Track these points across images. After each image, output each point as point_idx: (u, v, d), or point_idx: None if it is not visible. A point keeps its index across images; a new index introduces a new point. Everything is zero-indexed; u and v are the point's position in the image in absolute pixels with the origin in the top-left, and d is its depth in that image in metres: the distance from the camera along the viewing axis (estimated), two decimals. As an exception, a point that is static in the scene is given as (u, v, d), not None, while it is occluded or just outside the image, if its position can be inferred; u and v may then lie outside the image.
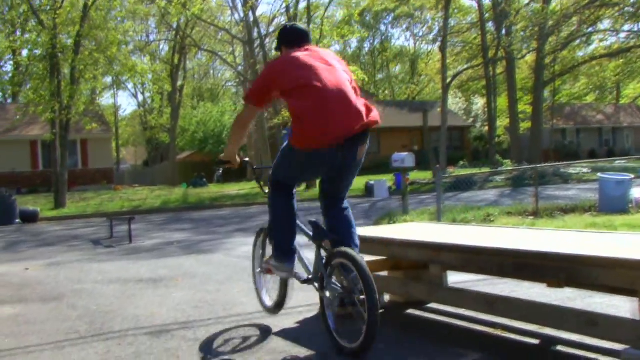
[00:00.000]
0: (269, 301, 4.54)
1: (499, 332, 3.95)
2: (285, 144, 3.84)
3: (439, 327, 4.27)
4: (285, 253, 3.95)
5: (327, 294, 3.68)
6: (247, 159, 4.44)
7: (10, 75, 44.29)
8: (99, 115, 38.70)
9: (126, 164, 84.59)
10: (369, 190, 23.17)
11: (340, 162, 3.67)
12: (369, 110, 3.68)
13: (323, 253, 3.86)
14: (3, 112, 36.71)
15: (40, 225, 17.22)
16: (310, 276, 3.98)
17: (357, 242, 3.88)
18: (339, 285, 3.64)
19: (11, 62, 43.50)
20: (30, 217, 18.12)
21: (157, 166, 50.96)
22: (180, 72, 42.76)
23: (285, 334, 4.26)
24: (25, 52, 28.64)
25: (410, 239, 3.97)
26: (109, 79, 47.78)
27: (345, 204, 4.03)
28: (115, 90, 57.83)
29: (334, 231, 3.86)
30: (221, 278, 6.69)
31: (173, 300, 5.62)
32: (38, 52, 22.38)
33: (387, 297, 5.00)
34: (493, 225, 9.20)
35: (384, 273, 4.90)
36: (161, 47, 49.61)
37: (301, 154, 3.66)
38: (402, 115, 42.99)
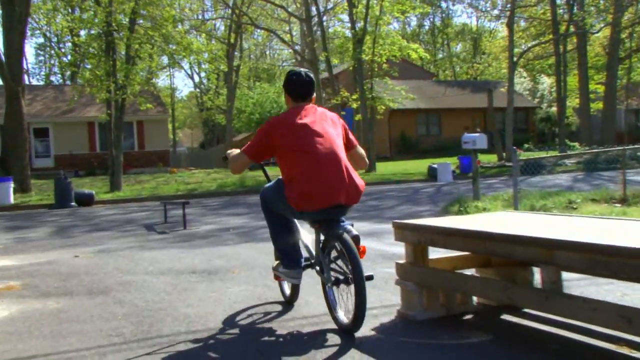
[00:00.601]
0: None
1: (624, 350, 3.26)
2: (278, 180, 4.19)
3: (545, 339, 3.59)
4: (293, 259, 4.23)
5: (325, 275, 4.01)
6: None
7: (69, 57, 44.91)
8: (155, 96, 38.72)
9: (182, 147, 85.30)
10: (432, 174, 22.37)
11: (327, 216, 3.97)
12: (359, 188, 3.98)
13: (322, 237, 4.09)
14: (61, 93, 37.07)
15: (95, 208, 17.07)
16: (312, 260, 4.24)
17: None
18: (338, 267, 3.97)
19: (70, 44, 44.00)
20: (85, 200, 17.99)
21: (213, 148, 50.88)
22: (237, 51, 42.43)
23: (362, 345, 3.64)
24: (83, 33, 28.55)
25: (518, 234, 3.29)
26: (165, 60, 47.88)
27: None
28: (172, 71, 58.15)
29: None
30: (282, 271, 6.13)
31: (229, 296, 5.08)
32: (93, 31, 22.21)
33: (475, 298, 4.34)
34: (601, 216, 8.37)
35: (469, 271, 4.26)
36: (217, 25, 49.48)
37: (292, 209, 3.98)
38: (464, 95, 41.74)
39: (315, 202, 3.88)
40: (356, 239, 3.85)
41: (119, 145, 21.67)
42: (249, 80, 58.54)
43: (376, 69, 28.86)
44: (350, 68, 29.60)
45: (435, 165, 22.49)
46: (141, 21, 22.26)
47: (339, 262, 3.98)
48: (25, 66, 32.01)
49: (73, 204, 17.64)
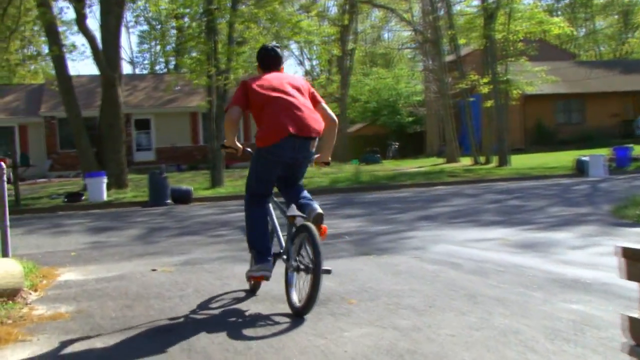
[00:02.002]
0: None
1: None
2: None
3: None
4: (265, 256, 4.89)
5: (290, 262, 4.72)
6: (248, 149, 5.23)
7: (173, 44, 45.31)
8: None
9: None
10: (580, 168, 20.21)
11: (294, 153, 4.76)
12: (317, 121, 4.83)
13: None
14: (162, 82, 37.10)
15: (192, 207, 16.31)
16: (281, 250, 4.92)
17: (308, 195, 5.05)
18: (302, 256, 4.66)
19: (174, 31, 44.37)
20: (182, 197, 17.28)
21: None
22: (351, 34, 41.23)
23: None
24: (187, 18, 28.22)
25: None
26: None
27: (300, 186, 5.16)
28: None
29: (296, 201, 4.95)
30: (418, 302, 4.69)
31: (345, 347, 3.69)
32: (191, 10, 21.61)
33: None
34: None
35: None
36: (329, 6, 48.53)
37: (265, 150, 4.78)
38: (611, 77, 38.57)
39: (276, 134, 4.68)
40: (319, 217, 4.81)
41: (220, 135, 20.79)
42: (364, 65, 57.29)
43: (510, 48, 26.75)
44: (481, 47, 27.64)
45: (584, 158, 20.31)
46: (245, -3, 21.37)
47: (303, 251, 4.65)
48: (129, 55, 32.23)
49: (168, 201, 16.98)
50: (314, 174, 24.35)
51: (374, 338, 3.84)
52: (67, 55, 22.53)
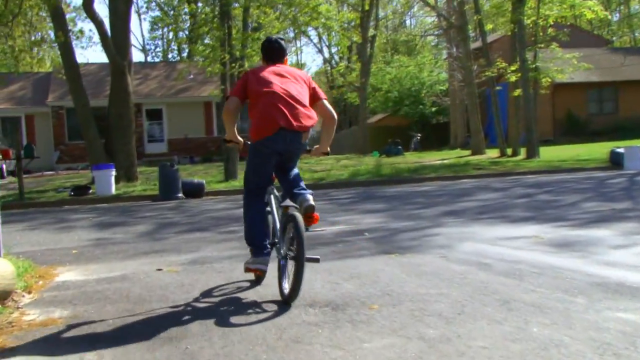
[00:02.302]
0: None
1: None
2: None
3: None
4: (262, 248, 5.30)
5: (281, 251, 5.07)
6: (249, 142, 5.36)
7: (186, 31, 45.15)
8: (279, 72, 37.92)
9: (312, 131, 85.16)
10: (615, 161, 19.78)
11: (286, 145, 5.09)
12: (308, 117, 5.12)
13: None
14: (175, 71, 36.97)
15: (204, 201, 16.13)
16: (276, 240, 5.20)
17: (300, 181, 5.35)
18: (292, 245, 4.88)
19: (187, 17, 44.20)
20: (194, 191, 17.11)
21: (344, 131, 49.84)
22: (372, 20, 40.84)
23: None
24: (199, 3, 28.07)
25: None
26: (290, 33, 47.23)
27: (294, 170, 5.42)
28: (298, 44, 57.63)
29: (291, 192, 5.25)
30: (445, 307, 4.40)
31: (365, 360, 3.40)
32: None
33: None
34: None
35: None
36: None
37: (258, 144, 5.13)
38: (647, 64, 37.90)
39: (267, 128, 4.98)
40: (309, 208, 5.04)
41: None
42: (385, 53, 56.87)
43: (540, 34, 26.25)
44: (509, 33, 27.17)
45: (620, 150, 19.86)
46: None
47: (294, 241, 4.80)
48: (140, 43, 32.09)
49: (180, 195, 16.78)
50: (333, 167, 24.18)
51: (397, 350, 3.55)
52: (75, 42, 22.41)
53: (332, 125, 5.47)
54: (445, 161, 25.47)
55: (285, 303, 4.72)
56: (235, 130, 5.40)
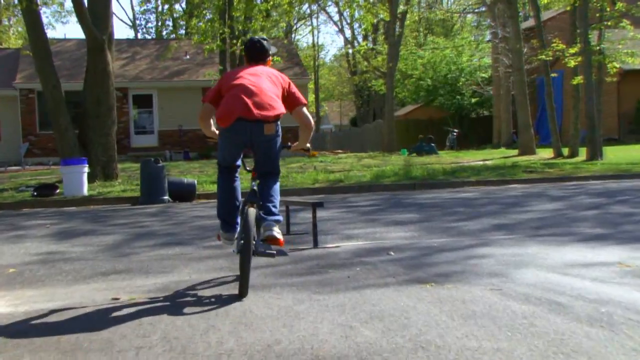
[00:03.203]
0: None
1: None
2: None
3: None
4: (229, 224, 6.19)
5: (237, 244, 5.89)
6: None
7: (183, 4, 44.60)
8: (291, 52, 37.32)
9: (328, 124, 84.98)
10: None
11: (249, 136, 5.79)
12: (272, 107, 5.75)
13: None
14: (168, 51, 36.35)
15: (194, 205, 15.53)
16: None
17: (277, 205, 5.97)
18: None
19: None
20: (182, 193, 16.61)
21: (368, 126, 49.46)
22: (402, -6, 40.13)
23: None
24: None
25: None
26: (305, 9, 46.54)
27: (274, 178, 6.12)
28: (315, 23, 57.07)
29: (260, 197, 5.94)
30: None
31: None
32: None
33: None
34: None
35: None
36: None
37: (223, 130, 5.90)
38: None
39: (227, 117, 5.72)
40: (270, 238, 5.65)
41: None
42: (417, 34, 56.01)
43: (608, 9, 25.27)
44: (568, 8, 26.23)
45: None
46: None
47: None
48: (129, 17, 31.63)
49: (165, 198, 16.27)
50: (353, 167, 23.74)
51: None
52: (51, 14, 21.79)
53: (308, 132, 6.22)
54: (487, 162, 24.93)
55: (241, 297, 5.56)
56: (213, 128, 6.19)
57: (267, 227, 5.63)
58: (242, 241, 5.54)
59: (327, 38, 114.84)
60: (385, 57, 37.56)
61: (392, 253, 7.55)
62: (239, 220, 6.07)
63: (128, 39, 44.27)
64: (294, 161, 26.65)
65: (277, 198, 6.03)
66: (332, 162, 26.75)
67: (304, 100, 6.13)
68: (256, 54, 6.27)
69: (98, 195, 17.13)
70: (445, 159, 27.46)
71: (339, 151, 38.75)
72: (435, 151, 31.15)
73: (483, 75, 44.29)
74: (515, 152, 29.53)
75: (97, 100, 20.15)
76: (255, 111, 5.62)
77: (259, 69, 6.07)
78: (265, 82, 5.87)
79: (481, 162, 24.65)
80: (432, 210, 12.23)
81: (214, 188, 17.81)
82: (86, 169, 17.48)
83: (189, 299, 5.65)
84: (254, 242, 5.63)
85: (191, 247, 8.79)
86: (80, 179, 17.14)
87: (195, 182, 17.20)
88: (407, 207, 12.94)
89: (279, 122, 5.88)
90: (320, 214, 10.21)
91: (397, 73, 41.31)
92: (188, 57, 35.76)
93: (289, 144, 6.41)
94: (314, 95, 64.01)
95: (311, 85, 71.99)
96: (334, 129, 78.90)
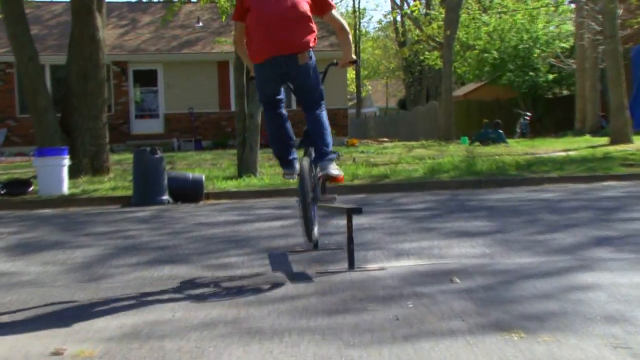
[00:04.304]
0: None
1: None
2: None
3: None
4: (286, 160, 7.47)
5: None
6: None
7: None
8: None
9: (372, 107, 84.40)
10: None
11: (285, 70, 6.95)
12: (298, 36, 6.89)
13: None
14: (176, 16, 35.85)
15: (201, 207, 14.90)
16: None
17: (328, 141, 7.25)
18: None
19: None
20: (186, 192, 15.96)
21: (419, 108, 49.01)
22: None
23: None
24: None
25: None
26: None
27: (318, 109, 7.32)
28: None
29: (310, 135, 7.34)
30: None
31: None
32: None
33: None
34: None
35: None
36: None
37: (255, 67, 7.16)
38: None
39: (258, 55, 6.95)
40: (328, 178, 7.41)
41: (254, 98, 18.93)
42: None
43: None
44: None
45: None
46: None
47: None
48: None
49: (164, 197, 15.61)
50: (402, 158, 23.69)
51: None
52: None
53: (344, 36, 7.24)
54: (570, 152, 24.28)
55: (315, 247, 7.32)
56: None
57: (323, 167, 7.10)
58: (300, 193, 6.99)
59: (370, 2, 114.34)
60: (442, 23, 36.88)
61: (457, 280, 6.52)
62: (295, 155, 7.48)
63: (128, 2, 43.73)
64: (328, 152, 25.78)
65: (328, 131, 7.28)
66: (375, 153, 26.44)
67: (332, 4, 7.24)
68: None
69: (81, 194, 16.65)
70: (517, 148, 27.00)
71: (384, 139, 38.63)
72: (503, 139, 30.78)
73: (563, 45, 43.50)
74: (605, 140, 28.84)
75: (83, 74, 19.73)
76: (286, 47, 6.78)
77: None
78: (288, 4, 6.82)
79: (563, 153, 23.99)
80: (506, 216, 11.31)
81: (227, 185, 17.72)
82: (66, 161, 16.90)
83: (167, 350, 4.68)
84: (312, 194, 7.11)
85: (186, 266, 7.98)
86: (58, 174, 16.60)
87: (203, 177, 16.54)
88: (472, 212, 12.10)
89: (310, 46, 6.94)
90: (359, 220, 9.45)
91: (456, 44, 41.20)
92: (201, 24, 35.27)
93: (335, 61, 7.67)
94: (354, 72, 63.41)
95: (351, 60, 71.27)
96: (379, 112, 78.32)
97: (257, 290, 6.55)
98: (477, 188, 16.79)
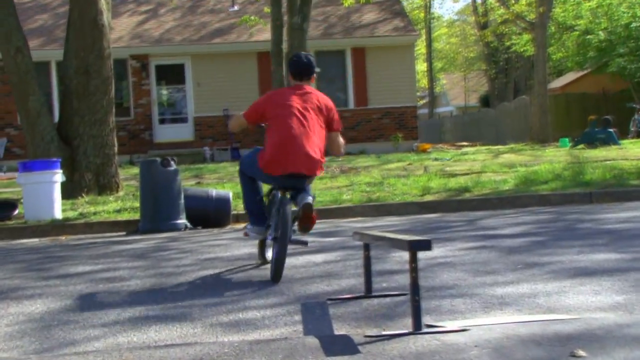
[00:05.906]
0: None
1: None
2: (255, 149, 9.37)
3: None
4: (258, 218, 9.20)
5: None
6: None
7: None
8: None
9: (448, 106, 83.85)
10: None
11: (292, 184, 8.76)
12: (313, 159, 8.66)
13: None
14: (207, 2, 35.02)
15: (223, 233, 14.16)
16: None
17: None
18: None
19: None
20: (207, 215, 15.34)
21: (506, 105, 48.29)
22: None
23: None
24: None
25: None
26: None
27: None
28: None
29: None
30: None
31: None
32: None
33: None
34: None
35: None
36: None
37: (261, 171, 8.90)
38: None
39: (276, 168, 8.57)
40: (307, 206, 8.54)
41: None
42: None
43: None
44: None
45: None
46: None
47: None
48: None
49: (180, 222, 14.91)
50: (486, 166, 23.39)
51: None
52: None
53: (336, 154, 10.44)
54: None
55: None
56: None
57: (303, 197, 8.61)
58: (279, 230, 8.35)
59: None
60: (534, 1, 35.63)
61: (582, 353, 5.04)
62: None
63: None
64: (394, 159, 26.24)
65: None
66: (452, 161, 26.36)
67: (339, 127, 9.24)
68: (303, 69, 8.93)
69: (78, 219, 16.10)
70: (633, 151, 26.15)
71: (464, 143, 38.52)
72: (615, 140, 29.87)
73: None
74: None
75: (84, 69, 19.09)
76: (305, 169, 8.51)
77: (307, 97, 8.79)
78: (313, 122, 8.65)
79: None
80: (637, 244, 10.10)
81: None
82: (58, 177, 16.28)
83: None
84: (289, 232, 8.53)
85: (181, 325, 6.78)
86: (49, 193, 16.05)
87: (230, 195, 15.71)
88: (588, 238, 10.92)
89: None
90: (431, 252, 8.17)
91: (552, 24, 40.66)
92: (236, 7, 34.68)
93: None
94: (424, 64, 62.53)
95: (421, 49, 70.58)
96: (456, 111, 77.55)
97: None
98: (587, 203, 16.14)
